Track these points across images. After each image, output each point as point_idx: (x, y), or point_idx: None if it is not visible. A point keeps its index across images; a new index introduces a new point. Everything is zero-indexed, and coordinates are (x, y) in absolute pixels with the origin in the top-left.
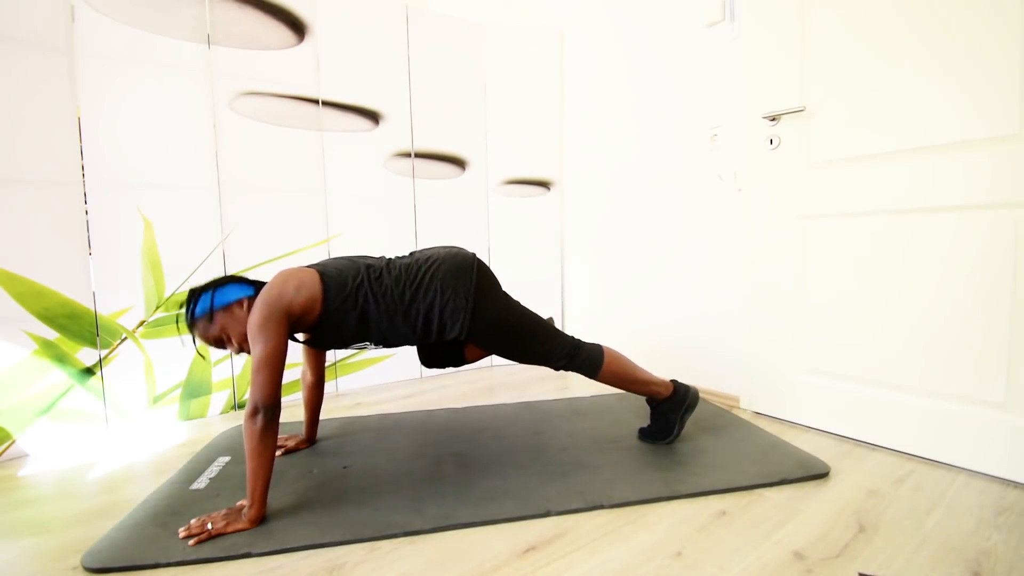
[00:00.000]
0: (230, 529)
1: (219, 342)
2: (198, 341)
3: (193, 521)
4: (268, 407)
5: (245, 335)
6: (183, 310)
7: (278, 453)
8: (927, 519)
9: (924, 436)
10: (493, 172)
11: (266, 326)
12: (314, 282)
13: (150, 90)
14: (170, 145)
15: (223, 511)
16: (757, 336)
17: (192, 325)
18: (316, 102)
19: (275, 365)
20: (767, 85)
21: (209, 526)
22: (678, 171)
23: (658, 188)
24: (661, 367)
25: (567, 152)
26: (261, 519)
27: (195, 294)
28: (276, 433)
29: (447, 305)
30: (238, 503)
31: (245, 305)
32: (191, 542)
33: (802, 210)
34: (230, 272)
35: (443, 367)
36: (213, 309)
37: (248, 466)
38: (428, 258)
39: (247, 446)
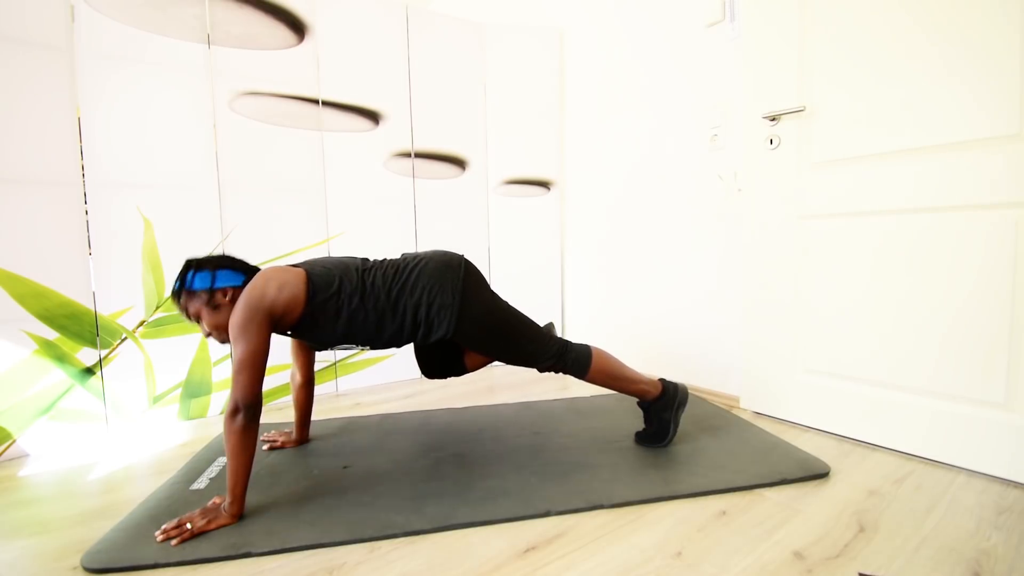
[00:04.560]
0: (212, 526)
1: (197, 319)
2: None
3: (166, 524)
4: (249, 406)
5: (219, 324)
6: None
7: (264, 448)
8: (927, 519)
9: (924, 436)
10: (493, 172)
11: (248, 327)
12: (298, 281)
13: (150, 90)
14: (170, 145)
15: (199, 510)
16: (757, 336)
17: (176, 295)
18: (316, 102)
19: (256, 365)
20: (767, 85)
21: (188, 526)
22: (678, 171)
23: (658, 188)
24: (660, 367)
25: (567, 152)
26: (241, 515)
27: (191, 267)
28: (256, 432)
29: (434, 302)
30: (212, 501)
31: (229, 295)
32: (173, 542)
33: (802, 210)
34: None
35: (444, 377)
36: (200, 288)
37: (228, 464)
38: (416, 257)
39: (227, 444)
